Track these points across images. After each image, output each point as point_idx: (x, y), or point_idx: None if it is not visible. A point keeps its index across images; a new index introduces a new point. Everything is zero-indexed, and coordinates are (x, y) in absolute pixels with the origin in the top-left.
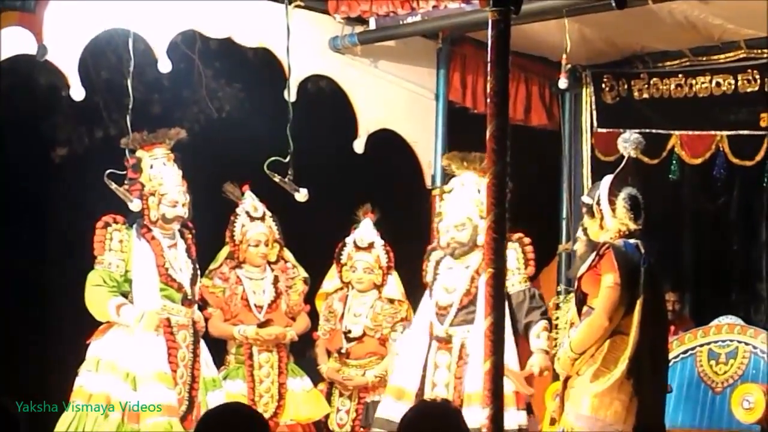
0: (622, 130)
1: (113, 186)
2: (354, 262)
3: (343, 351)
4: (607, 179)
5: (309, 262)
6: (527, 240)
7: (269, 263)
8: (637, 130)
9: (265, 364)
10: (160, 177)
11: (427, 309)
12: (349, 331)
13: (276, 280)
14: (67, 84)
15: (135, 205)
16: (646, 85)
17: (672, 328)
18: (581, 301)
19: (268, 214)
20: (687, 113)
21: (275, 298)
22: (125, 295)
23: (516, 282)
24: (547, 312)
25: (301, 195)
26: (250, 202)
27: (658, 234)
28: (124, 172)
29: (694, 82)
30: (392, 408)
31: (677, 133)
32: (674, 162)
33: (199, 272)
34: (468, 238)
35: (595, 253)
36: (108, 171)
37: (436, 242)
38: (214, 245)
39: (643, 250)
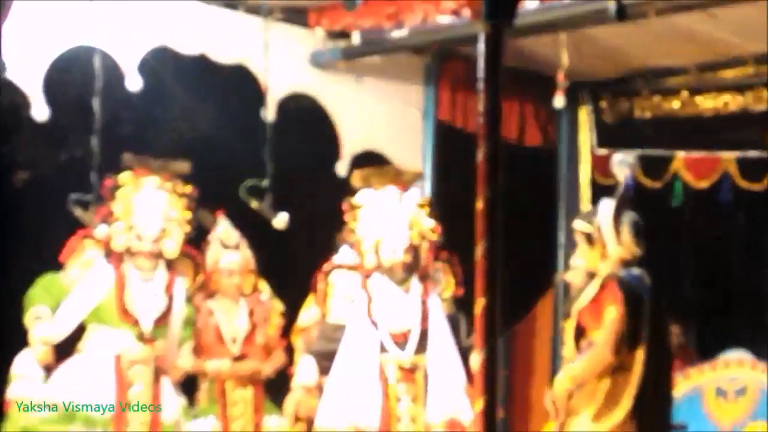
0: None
1: (78, 212)
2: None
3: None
4: (608, 204)
5: (287, 292)
6: (455, 260)
7: (243, 294)
8: (638, 151)
9: (240, 402)
10: (136, 207)
11: (366, 335)
12: None
13: (251, 312)
14: (29, 103)
15: (99, 233)
16: (648, 104)
17: (676, 362)
18: (580, 334)
19: (244, 242)
20: (691, 133)
21: (251, 330)
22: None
23: (449, 304)
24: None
25: (280, 221)
26: (223, 230)
27: (660, 262)
28: (89, 197)
29: (699, 100)
30: None
31: (681, 154)
32: (678, 186)
33: (174, 308)
34: (414, 261)
35: (595, 284)
36: (73, 196)
37: (361, 262)
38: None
39: (647, 281)
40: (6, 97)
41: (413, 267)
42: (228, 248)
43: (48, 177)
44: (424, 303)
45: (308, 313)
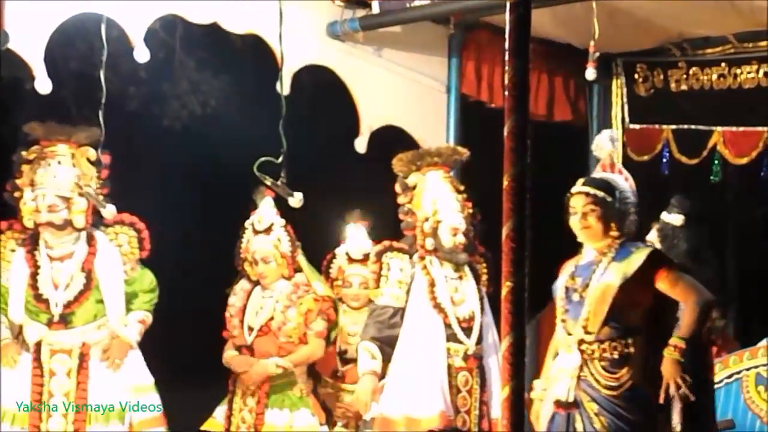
0: (655, 125)
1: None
2: (347, 276)
3: (338, 374)
4: (628, 179)
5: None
6: (489, 255)
7: (284, 278)
8: (674, 126)
9: (248, 391)
10: (43, 176)
11: (430, 322)
12: (345, 352)
13: (285, 296)
14: (32, 76)
15: (108, 212)
16: (685, 76)
17: (714, 349)
18: (599, 317)
19: (279, 223)
20: (731, 107)
21: (270, 319)
22: None
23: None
24: None
25: (295, 200)
26: (257, 213)
27: (698, 243)
28: (96, 174)
29: (738, 71)
30: None
31: (720, 129)
32: (716, 162)
33: (94, 288)
34: (469, 246)
35: (632, 262)
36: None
37: (418, 245)
38: (194, 254)
39: None
40: (7, 68)
41: (469, 252)
42: (258, 233)
43: None
44: (479, 290)
45: None
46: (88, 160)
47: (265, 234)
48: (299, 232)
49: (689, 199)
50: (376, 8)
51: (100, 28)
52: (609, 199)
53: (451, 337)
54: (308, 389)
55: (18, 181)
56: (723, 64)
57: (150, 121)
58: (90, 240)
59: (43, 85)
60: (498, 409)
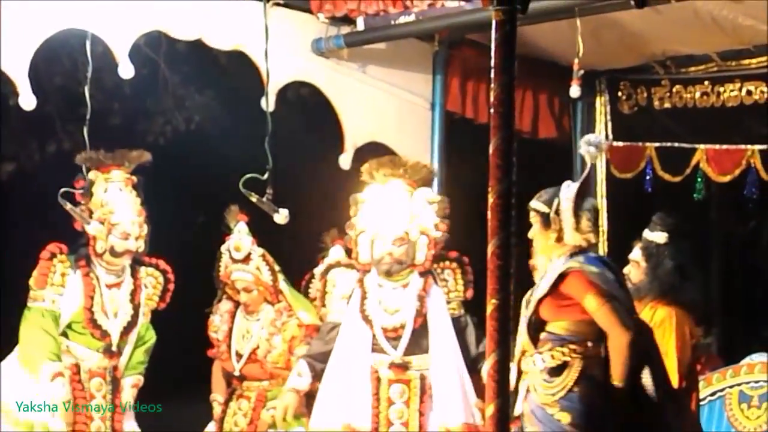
0: (639, 143)
1: (68, 206)
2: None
3: None
4: (571, 186)
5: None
6: (466, 260)
7: (268, 302)
8: (657, 144)
9: (239, 412)
10: (113, 204)
11: (359, 333)
12: None
13: (269, 323)
14: (16, 92)
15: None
16: (668, 94)
17: (698, 366)
18: (537, 326)
19: (257, 252)
20: (714, 125)
21: (257, 346)
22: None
23: (454, 306)
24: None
25: (281, 216)
26: (234, 239)
27: (681, 260)
28: (80, 190)
29: (722, 89)
30: None
31: (703, 147)
32: (699, 180)
33: (141, 318)
34: (407, 256)
35: (554, 275)
36: (62, 189)
37: (357, 258)
38: (185, 280)
39: (610, 264)
40: None
41: (409, 262)
42: (236, 262)
43: (35, 169)
44: (421, 299)
45: None
46: (134, 185)
47: (244, 263)
48: (283, 248)
49: (672, 216)
50: (360, 25)
51: (84, 44)
52: (545, 210)
53: (376, 348)
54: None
55: (90, 204)
56: (706, 83)
57: (133, 137)
58: (134, 272)
59: (28, 100)
60: (432, 419)
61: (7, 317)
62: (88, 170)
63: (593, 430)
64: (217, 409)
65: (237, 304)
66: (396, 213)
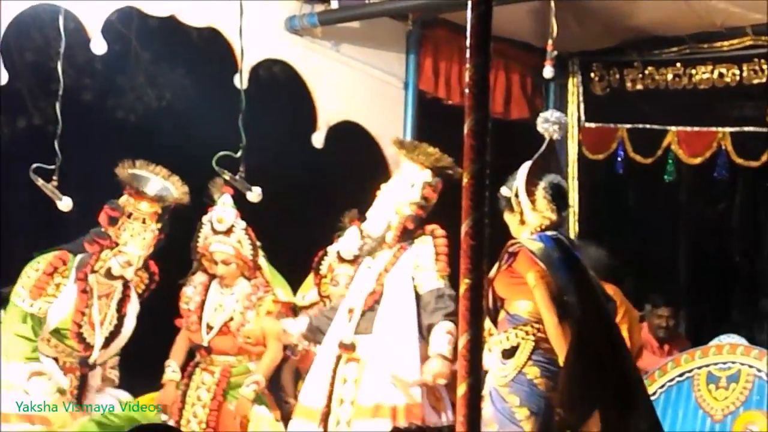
0: (610, 124)
1: (40, 182)
2: (336, 275)
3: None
4: (525, 166)
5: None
6: (440, 232)
7: (245, 277)
8: (629, 125)
9: (202, 386)
10: (129, 236)
11: (339, 313)
12: None
13: (244, 297)
14: None
15: (64, 205)
16: (640, 75)
17: (666, 347)
18: (496, 307)
19: (240, 225)
20: (685, 107)
21: (230, 319)
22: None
23: (429, 279)
24: (454, 314)
25: (254, 194)
26: (217, 212)
27: (650, 242)
28: (52, 167)
29: (694, 72)
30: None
31: (674, 129)
32: (670, 161)
33: (124, 330)
34: (377, 233)
35: (505, 252)
36: (34, 165)
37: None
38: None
39: (564, 243)
40: None
41: (380, 240)
42: (217, 233)
43: (5, 144)
44: (379, 278)
45: (305, 296)
46: (157, 217)
47: (225, 235)
48: (258, 229)
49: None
50: (335, 3)
51: (57, 20)
52: (507, 194)
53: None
54: (264, 386)
55: (117, 234)
56: (678, 65)
57: (104, 113)
58: (126, 282)
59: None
60: (365, 395)
61: None
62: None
63: (539, 414)
64: (168, 375)
65: (212, 277)
66: (387, 199)
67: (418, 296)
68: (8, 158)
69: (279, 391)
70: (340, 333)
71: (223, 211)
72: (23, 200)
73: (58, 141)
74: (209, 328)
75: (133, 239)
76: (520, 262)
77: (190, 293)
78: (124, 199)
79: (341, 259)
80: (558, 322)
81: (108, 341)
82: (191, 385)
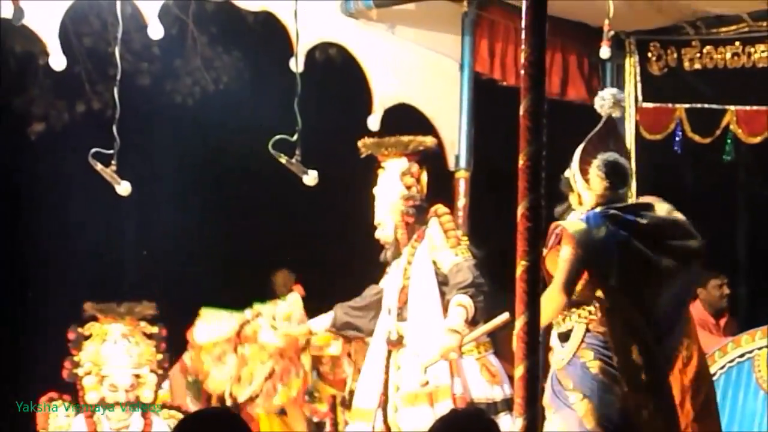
0: (668, 104)
1: (99, 167)
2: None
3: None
4: (578, 148)
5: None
6: (443, 210)
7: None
8: (687, 105)
9: None
10: (105, 357)
11: (384, 315)
12: None
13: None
14: (46, 52)
15: (123, 189)
16: (698, 54)
17: (722, 322)
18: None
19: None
20: (744, 86)
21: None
22: None
23: (446, 257)
24: (471, 285)
25: (310, 178)
26: (284, 308)
27: (709, 220)
28: (111, 151)
29: (752, 50)
30: None
31: (733, 108)
32: (729, 141)
33: None
34: (390, 237)
35: (552, 233)
36: (93, 150)
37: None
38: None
39: (614, 220)
40: (22, 44)
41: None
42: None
43: (64, 129)
44: (405, 273)
45: None
46: (145, 333)
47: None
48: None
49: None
50: None
51: (114, 5)
52: (567, 174)
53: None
54: None
55: (76, 358)
56: (737, 43)
57: (162, 97)
58: (144, 414)
59: (58, 61)
60: (407, 381)
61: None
62: (88, 320)
63: (592, 397)
64: None
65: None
66: (382, 195)
67: (445, 277)
68: (66, 143)
69: None
70: (385, 331)
71: (290, 309)
72: (80, 184)
73: (116, 125)
74: None
75: (113, 362)
76: (563, 240)
77: None
78: (90, 325)
79: None
80: (561, 304)
81: None
82: None
